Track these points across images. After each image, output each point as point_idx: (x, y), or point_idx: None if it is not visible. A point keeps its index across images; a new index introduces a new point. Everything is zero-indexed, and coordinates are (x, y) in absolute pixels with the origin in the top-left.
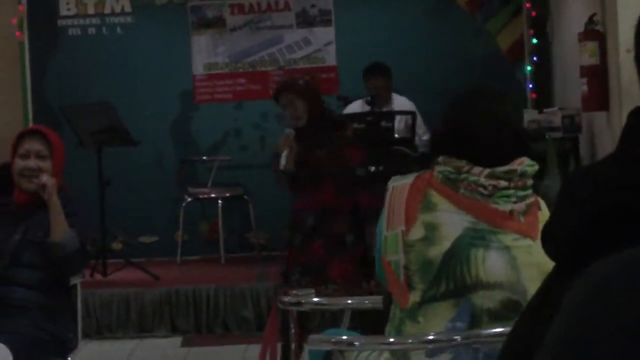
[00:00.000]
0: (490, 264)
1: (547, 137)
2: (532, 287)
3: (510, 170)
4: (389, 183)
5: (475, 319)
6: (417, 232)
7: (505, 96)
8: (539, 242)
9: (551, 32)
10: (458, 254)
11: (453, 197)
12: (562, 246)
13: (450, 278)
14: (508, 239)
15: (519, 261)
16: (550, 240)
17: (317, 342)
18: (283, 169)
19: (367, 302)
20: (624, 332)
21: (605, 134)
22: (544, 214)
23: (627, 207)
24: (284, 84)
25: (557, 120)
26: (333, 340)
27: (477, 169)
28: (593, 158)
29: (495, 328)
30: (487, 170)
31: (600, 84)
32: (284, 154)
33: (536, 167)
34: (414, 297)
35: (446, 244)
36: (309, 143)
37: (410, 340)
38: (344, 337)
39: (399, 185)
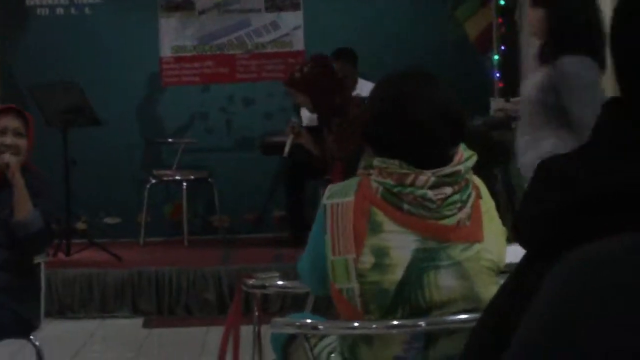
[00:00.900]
0: (443, 284)
1: (513, 125)
2: (485, 292)
3: (454, 172)
4: (324, 198)
5: (430, 338)
6: (367, 259)
7: (439, 79)
8: (485, 243)
9: (520, 21)
10: (411, 282)
11: (397, 216)
12: (535, 233)
13: (406, 304)
14: (457, 252)
15: (470, 272)
16: (523, 227)
17: (281, 325)
18: (285, 155)
19: None
20: (604, 315)
21: None
22: (486, 202)
23: (600, 195)
24: (288, 78)
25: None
26: (297, 323)
27: (421, 179)
28: None
29: (452, 340)
30: (432, 179)
31: None
32: (288, 141)
33: (475, 158)
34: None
35: (399, 273)
36: (318, 133)
37: (374, 326)
38: (308, 321)
39: (340, 204)
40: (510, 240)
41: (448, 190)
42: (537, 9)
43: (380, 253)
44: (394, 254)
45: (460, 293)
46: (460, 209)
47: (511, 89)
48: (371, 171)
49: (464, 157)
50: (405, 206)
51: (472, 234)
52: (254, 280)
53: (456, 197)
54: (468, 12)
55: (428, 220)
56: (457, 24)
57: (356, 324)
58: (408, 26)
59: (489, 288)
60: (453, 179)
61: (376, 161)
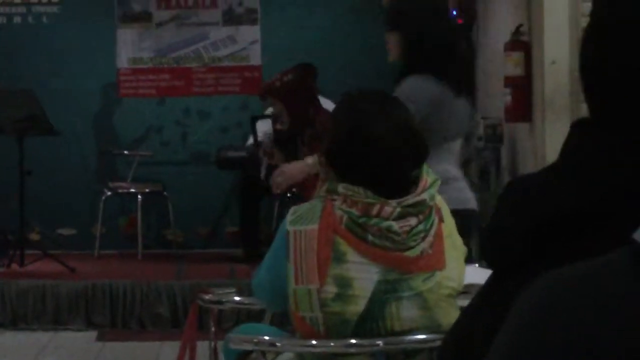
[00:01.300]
0: (404, 315)
1: (474, 143)
2: (445, 320)
3: (419, 202)
4: (288, 223)
5: None
6: (329, 289)
7: (397, 99)
8: (446, 270)
9: (477, 41)
10: (373, 314)
11: (361, 247)
12: (502, 254)
13: (367, 334)
14: (418, 282)
15: (431, 302)
16: (491, 246)
17: (237, 341)
18: (263, 178)
19: None
20: (569, 345)
21: (527, 145)
22: (447, 224)
23: (567, 216)
24: (265, 86)
25: (479, 130)
26: (255, 340)
27: (387, 210)
28: (514, 169)
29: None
30: (397, 210)
31: (524, 94)
32: (264, 165)
33: (438, 182)
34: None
35: (361, 304)
36: (290, 146)
37: (332, 344)
38: (266, 337)
39: (304, 231)
40: (466, 260)
41: (413, 221)
42: (392, 33)
43: (343, 283)
44: (356, 284)
45: (421, 323)
46: (423, 238)
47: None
48: (335, 197)
49: (428, 182)
50: (370, 237)
51: (433, 262)
52: (210, 295)
53: (420, 227)
54: None
55: (391, 252)
56: None
57: (314, 342)
58: (366, 41)
59: (449, 316)
60: (418, 208)
61: (341, 187)
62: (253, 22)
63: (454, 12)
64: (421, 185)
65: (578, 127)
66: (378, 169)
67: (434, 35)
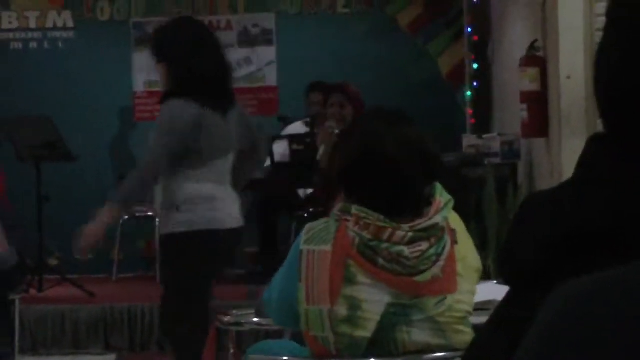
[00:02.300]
0: (416, 339)
1: (485, 162)
2: (457, 338)
3: (431, 225)
4: (302, 242)
5: None
6: (340, 311)
7: (409, 117)
8: (458, 293)
9: (492, 57)
10: (383, 337)
11: (372, 270)
12: (520, 271)
13: (381, 355)
14: (430, 306)
15: (444, 326)
16: (510, 262)
17: None
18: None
19: None
20: (593, 352)
21: (544, 161)
22: (463, 246)
23: (584, 232)
24: (338, 84)
25: (496, 146)
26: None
27: (399, 235)
28: (531, 185)
29: None
30: (409, 234)
31: (540, 110)
32: (322, 149)
33: (452, 202)
34: None
35: (370, 328)
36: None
37: None
38: (285, 358)
39: (317, 252)
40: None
41: (425, 245)
42: (160, 64)
43: (354, 305)
44: (366, 307)
45: (434, 344)
46: (434, 262)
47: (483, 125)
48: (349, 217)
49: (442, 204)
50: (380, 261)
51: (445, 286)
52: (229, 317)
53: (432, 251)
54: (440, 47)
55: (401, 277)
56: (430, 60)
57: None
58: (381, 62)
59: (463, 338)
60: (430, 232)
61: (354, 209)
62: (269, 43)
63: (469, 30)
64: (434, 207)
65: (593, 143)
66: (389, 189)
67: (189, 65)
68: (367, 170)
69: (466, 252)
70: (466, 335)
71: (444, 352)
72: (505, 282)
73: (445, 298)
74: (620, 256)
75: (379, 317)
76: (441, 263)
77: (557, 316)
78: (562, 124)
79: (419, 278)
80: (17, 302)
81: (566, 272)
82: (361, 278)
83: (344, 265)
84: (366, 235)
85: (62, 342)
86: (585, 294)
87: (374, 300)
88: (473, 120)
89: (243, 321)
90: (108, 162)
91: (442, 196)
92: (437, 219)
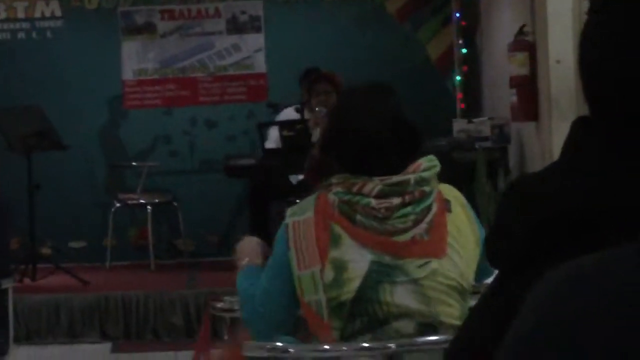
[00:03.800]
0: (399, 298)
1: (476, 147)
2: (442, 308)
3: (402, 181)
4: (287, 218)
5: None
6: (328, 274)
7: (393, 90)
8: (446, 260)
9: (480, 42)
10: (367, 296)
11: (352, 231)
12: (507, 253)
13: (364, 316)
14: (412, 268)
15: (426, 289)
16: (496, 246)
17: (252, 348)
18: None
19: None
20: (585, 336)
21: (534, 144)
22: (456, 215)
23: (570, 214)
24: (324, 74)
25: (486, 130)
26: (268, 346)
27: (368, 187)
28: (522, 168)
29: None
30: (377, 187)
31: (530, 94)
32: (316, 132)
33: (436, 168)
34: (333, 334)
35: (354, 286)
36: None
37: (344, 348)
38: (279, 344)
39: (301, 220)
40: None
41: (396, 200)
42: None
43: (339, 267)
44: (351, 267)
45: (417, 309)
46: (415, 223)
47: (473, 109)
48: (330, 187)
49: (422, 167)
50: (358, 217)
51: (430, 249)
52: (222, 303)
53: (408, 209)
54: (429, 33)
55: (381, 236)
56: (419, 46)
57: (327, 347)
58: (370, 48)
59: (448, 307)
60: (402, 188)
61: (334, 178)
62: (257, 29)
63: (457, 15)
64: (412, 167)
65: (578, 126)
66: (360, 158)
67: None
68: (340, 139)
69: (461, 223)
70: (452, 308)
71: (427, 316)
72: (493, 265)
73: (430, 262)
74: (605, 239)
75: (363, 275)
76: (424, 225)
77: (546, 299)
78: (551, 108)
79: (398, 238)
80: (9, 291)
81: (553, 255)
82: (345, 239)
83: (329, 227)
84: (340, 189)
85: (56, 331)
86: (574, 276)
87: (358, 260)
88: (463, 105)
89: (236, 307)
90: (99, 150)
91: (427, 162)
92: (409, 177)
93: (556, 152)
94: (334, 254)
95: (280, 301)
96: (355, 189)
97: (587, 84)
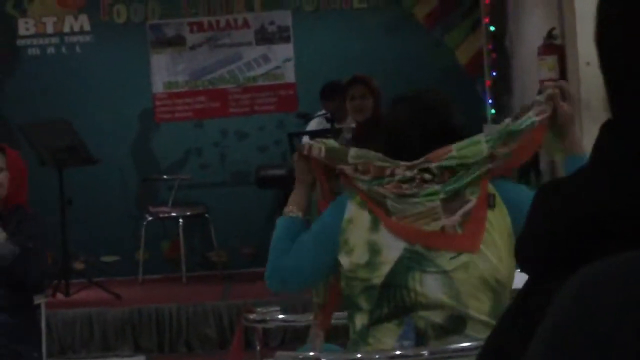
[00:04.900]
0: (428, 288)
1: None
2: (473, 303)
3: (426, 168)
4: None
5: (421, 336)
6: (363, 255)
7: (447, 97)
8: (478, 254)
9: (510, 46)
10: (396, 281)
11: (384, 218)
12: (538, 258)
13: (391, 301)
14: (444, 260)
15: (457, 282)
16: (526, 250)
17: (284, 358)
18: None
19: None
20: (610, 337)
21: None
22: (502, 215)
23: (600, 218)
24: (360, 76)
25: None
26: (300, 356)
27: (398, 171)
28: (553, 171)
29: (444, 341)
30: (407, 172)
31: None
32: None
33: (468, 150)
34: (362, 319)
35: (385, 270)
36: (363, 138)
37: (377, 356)
38: (311, 354)
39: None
40: None
41: (426, 175)
42: None
43: (375, 251)
44: (385, 252)
45: (447, 300)
46: (447, 213)
47: (504, 114)
48: (345, 167)
49: (450, 154)
50: (389, 203)
51: (464, 243)
52: (254, 314)
53: (436, 187)
54: (458, 38)
55: (413, 225)
56: (448, 51)
57: (359, 356)
58: (399, 55)
59: (478, 301)
60: (433, 172)
61: (351, 157)
62: (286, 40)
63: (486, 20)
64: (438, 152)
65: (607, 128)
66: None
67: None
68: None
69: (509, 225)
70: (482, 303)
71: (456, 309)
72: (523, 270)
73: (462, 254)
74: (634, 240)
75: (395, 261)
76: (456, 218)
77: (569, 302)
78: (582, 110)
79: (429, 227)
80: (42, 306)
81: (582, 262)
82: (382, 225)
83: (367, 210)
84: (368, 178)
85: (90, 345)
86: (599, 280)
87: (392, 246)
88: (494, 110)
89: (268, 318)
90: (130, 164)
91: (459, 150)
92: (433, 164)
93: (587, 154)
94: (372, 236)
95: (316, 261)
96: (387, 173)
97: (607, 85)
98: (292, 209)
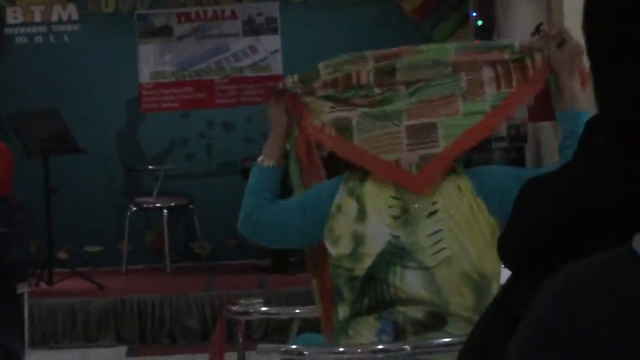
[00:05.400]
0: (407, 284)
1: (493, 146)
2: (455, 298)
3: (392, 68)
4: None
5: (400, 332)
6: (347, 246)
7: None
8: (459, 250)
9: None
10: (378, 274)
11: (344, 144)
12: (521, 253)
13: (372, 294)
14: (426, 256)
15: (439, 278)
16: (509, 246)
17: (266, 350)
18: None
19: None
20: (591, 335)
21: (551, 144)
22: (480, 205)
23: (585, 213)
24: None
25: (502, 130)
26: (282, 349)
27: (364, 71)
28: (538, 168)
29: (423, 337)
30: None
31: (547, 94)
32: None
33: (434, 49)
34: (344, 310)
35: (368, 261)
36: None
37: (359, 350)
38: (293, 347)
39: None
40: None
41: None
42: None
43: (359, 241)
44: (368, 243)
45: (426, 296)
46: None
47: None
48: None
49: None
50: (354, 122)
51: (411, 183)
52: (237, 306)
53: (403, 91)
54: (446, 32)
55: (368, 150)
56: None
57: (341, 349)
58: (387, 48)
59: (461, 297)
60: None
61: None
62: (273, 31)
63: (474, 14)
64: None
65: (591, 126)
66: None
67: None
68: None
69: (473, 212)
70: (465, 299)
71: (436, 305)
72: (507, 266)
73: (444, 249)
74: (617, 240)
75: (377, 253)
76: (415, 158)
77: (548, 301)
78: None
79: (382, 155)
80: (25, 295)
81: (567, 256)
82: (370, 210)
83: (357, 198)
84: (335, 92)
85: (72, 334)
86: (585, 277)
87: (376, 236)
88: None
89: (251, 310)
90: (116, 154)
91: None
92: (402, 56)
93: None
94: (357, 227)
95: (299, 227)
96: (354, 80)
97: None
98: (265, 159)
